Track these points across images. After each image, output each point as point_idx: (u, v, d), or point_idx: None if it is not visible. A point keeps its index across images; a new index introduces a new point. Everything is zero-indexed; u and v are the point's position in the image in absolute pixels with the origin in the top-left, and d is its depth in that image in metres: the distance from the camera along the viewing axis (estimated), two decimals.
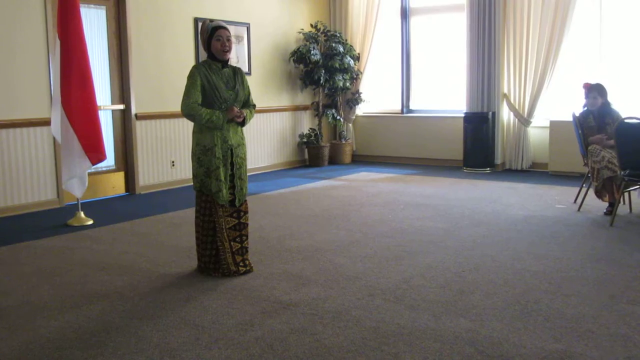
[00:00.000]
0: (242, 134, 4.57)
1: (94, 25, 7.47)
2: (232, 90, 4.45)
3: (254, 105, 4.67)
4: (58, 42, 6.04)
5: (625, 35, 8.58)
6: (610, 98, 6.40)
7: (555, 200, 6.95)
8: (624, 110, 6.60)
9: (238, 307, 3.84)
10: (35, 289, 4.29)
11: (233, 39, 4.51)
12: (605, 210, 6.22)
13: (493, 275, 4.37)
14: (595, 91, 6.32)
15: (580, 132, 6.41)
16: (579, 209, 6.43)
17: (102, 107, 7.32)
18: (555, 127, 8.68)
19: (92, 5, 7.42)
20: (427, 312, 3.70)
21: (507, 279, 4.28)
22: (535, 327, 3.44)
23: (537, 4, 8.76)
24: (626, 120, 5.82)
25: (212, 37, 4.39)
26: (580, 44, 8.84)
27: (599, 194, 6.19)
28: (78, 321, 3.68)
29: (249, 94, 4.63)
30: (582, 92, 6.46)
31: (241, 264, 4.50)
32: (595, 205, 6.45)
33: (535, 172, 9.09)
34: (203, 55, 4.55)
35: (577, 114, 6.49)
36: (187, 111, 4.35)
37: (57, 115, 6.12)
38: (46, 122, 6.75)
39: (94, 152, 6.15)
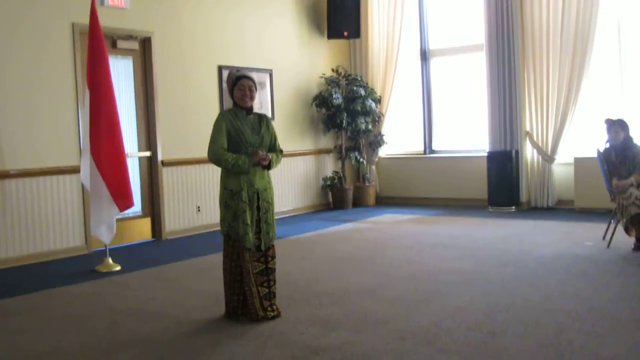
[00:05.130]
0: (269, 177, 4.62)
1: (122, 75, 7.66)
2: (257, 135, 4.52)
3: (281, 151, 4.73)
4: (87, 92, 6.20)
5: None
6: (632, 133, 6.36)
7: (583, 238, 6.87)
8: None
9: (267, 353, 3.82)
10: (66, 335, 4.32)
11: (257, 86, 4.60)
12: (633, 246, 6.14)
13: (524, 315, 4.31)
14: (617, 126, 6.29)
15: (605, 167, 6.37)
16: (608, 246, 6.34)
17: (129, 154, 7.43)
18: (580, 163, 8.63)
19: (120, 56, 7.62)
20: (458, 355, 3.65)
21: (539, 319, 4.22)
22: None
23: (555, 40, 8.81)
24: None
25: (235, 86, 4.49)
26: (602, 79, 8.84)
27: (627, 230, 6.12)
28: None
29: (275, 139, 4.69)
30: (604, 127, 6.44)
31: (269, 308, 4.50)
32: (625, 241, 6.36)
33: (561, 209, 9.01)
34: (227, 102, 4.66)
35: (602, 150, 6.46)
36: (213, 156, 4.43)
37: (86, 163, 6.24)
38: (75, 170, 6.88)
39: (122, 198, 6.24)
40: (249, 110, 4.55)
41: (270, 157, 4.50)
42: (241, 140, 4.43)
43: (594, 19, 8.47)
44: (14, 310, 5.00)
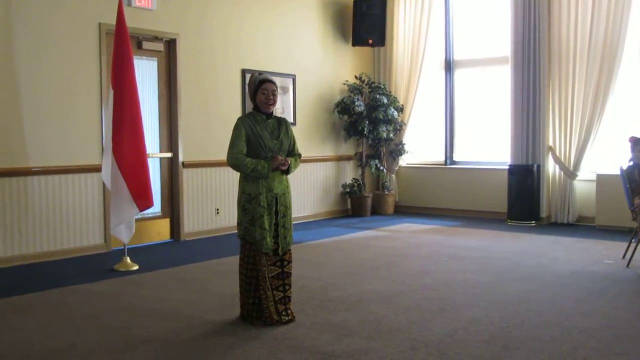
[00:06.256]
0: (287, 182, 4.63)
1: (146, 76, 7.73)
2: (276, 139, 4.53)
3: (300, 155, 4.74)
4: (111, 92, 6.27)
5: None
6: None
7: (603, 255, 6.80)
8: None
9: (280, 357, 3.83)
10: (82, 332, 4.36)
11: (279, 90, 4.61)
12: None
13: (539, 331, 4.28)
14: None
15: (627, 186, 6.31)
16: (628, 265, 6.27)
17: (150, 155, 7.49)
18: (603, 180, 8.55)
19: (145, 57, 7.69)
20: None
21: (554, 335, 4.18)
22: None
23: (582, 56, 8.74)
24: None
25: (258, 89, 4.51)
26: (627, 96, 8.75)
27: None
28: None
29: (294, 143, 4.70)
30: (628, 145, 6.38)
31: (283, 313, 4.51)
32: None
33: (581, 225, 8.92)
34: (250, 106, 4.67)
35: (625, 168, 6.40)
36: (232, 161, 4.45)
37: (107, 162, 6.30)
38: (97, 169, 6.94)
39: (142, 198, 6.29)
40: (269, 114, 4.57)
41: (289, 161, 4.52)
42: (260, 145, 4.44)
43: (622, 35, 8.38)
44: (31, 307, 5.05)
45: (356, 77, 10.31)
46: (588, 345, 3.99)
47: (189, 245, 7.78)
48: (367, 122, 9.95)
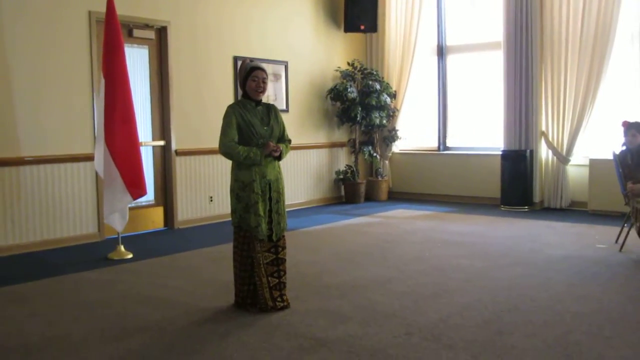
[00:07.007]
0: (279, 168, 4.64)
1: (137, 64, 7.69)
2: (267, 126, 4.53)
3: (290, 140, 4.75)
4: (103, 80, 6.23)
5: None
6: None
7: (595, 240, 6.84)
8: None
9: (275, 343, 3.85)
10: (77, 321, 4.37)
11: (271, 77, 4.60)
12: None
13: (532, 315, 4.30)
14: (634, 129, 6.24)
15: (620, 170, 6.33)
16: (620, 250, 6.31)
17: (143, 143, 7.47)
18: (595, 165, 8.58)
19: (136, 45, 7.65)
20: (465, 352, 3.66)
21: (547, 319, 4.21)
22: None
23: (575, 40, 8.73)
24: None
25: (248, 76, 4.50)
26: (620, 81, 8.76)
27: None
28: (118, 354, 3.73)
29: (284, 129, 4.70)
30: (621, 130, 6.39)
31: (278, 299, 4.52)
32: (638, 245, 6.32)
33: (574, 210, 8.96)
34: (241, 94, 4.66)
35: (617, 152, 6.42)
36: (224, 150, 4.45)
37: (100, 151, 6.28)
38: (89, 158, 6.92)
39: (135, 187, 6.28)
40: (259, 101, 4.57)
41: (281, 148, 4.52)
42: (251, 133, 4.44)
43: (614, 20, 8.38)
44: (26, 296, 5.06)
45: (348, 64, 10.29)
46: (580, 329, 4.02)
47: (183, 233, 7.78)
48: (359, 108, 9.95)
